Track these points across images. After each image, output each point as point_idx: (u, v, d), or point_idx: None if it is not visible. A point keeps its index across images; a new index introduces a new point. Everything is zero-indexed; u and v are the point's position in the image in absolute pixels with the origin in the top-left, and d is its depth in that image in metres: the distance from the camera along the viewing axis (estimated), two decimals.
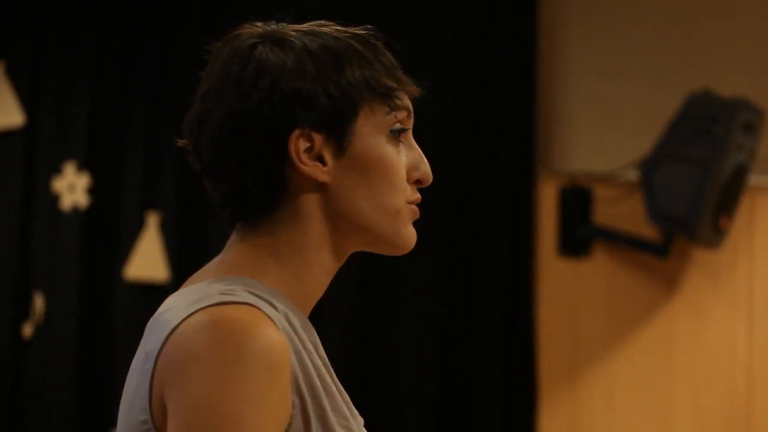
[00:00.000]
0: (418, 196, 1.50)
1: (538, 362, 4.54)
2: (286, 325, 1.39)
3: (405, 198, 1.48)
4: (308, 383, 1.37)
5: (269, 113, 1.42)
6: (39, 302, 4.46)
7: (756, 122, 4.35)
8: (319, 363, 1.41)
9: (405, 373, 4.44)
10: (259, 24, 1.50)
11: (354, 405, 1.48)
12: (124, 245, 4.50)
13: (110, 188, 4.52)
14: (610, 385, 4.57)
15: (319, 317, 5.02)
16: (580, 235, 4.55)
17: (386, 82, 1.46)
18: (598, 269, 4.59)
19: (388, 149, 1.47)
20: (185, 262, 4.43)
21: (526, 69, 4.56)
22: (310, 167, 1.44)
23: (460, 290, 4.50)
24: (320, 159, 1.44)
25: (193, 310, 1.35)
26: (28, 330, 4.46)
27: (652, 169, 4.36)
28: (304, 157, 1.43)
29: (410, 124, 1.50)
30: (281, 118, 1.43)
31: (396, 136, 1.48)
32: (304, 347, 1.40)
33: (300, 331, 1.41)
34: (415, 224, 1.54)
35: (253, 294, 1.38)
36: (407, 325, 4.46)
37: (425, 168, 1.50)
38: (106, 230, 4.52)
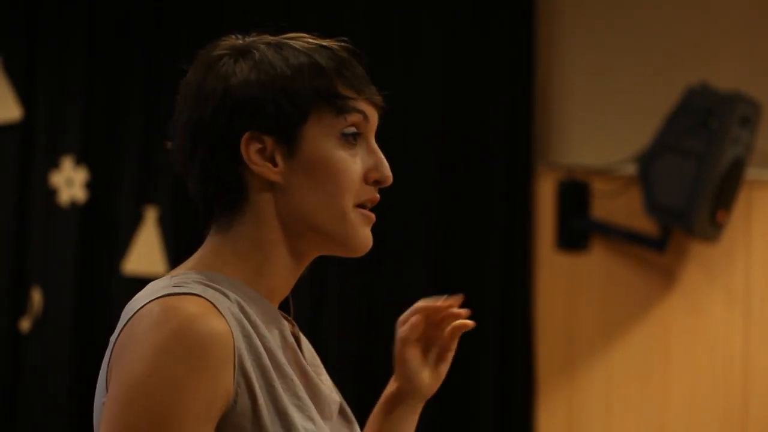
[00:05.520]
0: (375, 195, 1.58)
1: (536, 355, 4.54)
2: (237, 311, 1.48)
3: (354, 200, 1.55)
4: (258, 364, 1.47)
5: (222, 120, 1.54)
6: (37, 296, 4.46)
7: (753, 116, 4.36)
8: (275, 346, 1.50)
9: None
10: (239, 36, 1.61)
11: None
12: (121, 239, 4.50)
13: (108, 182, 4.52)
14: (607, 378, 4.58)
15: (315, 309, 4.95)
16: (577, 228, 4.56)
17: (339, 90, 1.55)
18: (596, 263, 4.59)
19: (338, 152, 1.55)
20: (183, 256, 4.42)
21: (524, 63, 4.56)
22: (260, 167, 1.54)
23: (458, 283, 4.51)
24: (273, 160, 1.54)
25: (147, 301, 1.47)
26: (25, 324, 4.46)
27: (649, 162, 4.37)
28: (256, 157, 1.54)
29: (368, 128, 1.58)
30: (233, 123, 1.54)
31: (348, 139, 1.56)
32: (257, 332, 1.49)
33: (254, 317, 1.50)
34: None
35: (204, 284, 1.50)
36: None
37: (383, 170, 1.57)
38: (104, 225, 4.52)
